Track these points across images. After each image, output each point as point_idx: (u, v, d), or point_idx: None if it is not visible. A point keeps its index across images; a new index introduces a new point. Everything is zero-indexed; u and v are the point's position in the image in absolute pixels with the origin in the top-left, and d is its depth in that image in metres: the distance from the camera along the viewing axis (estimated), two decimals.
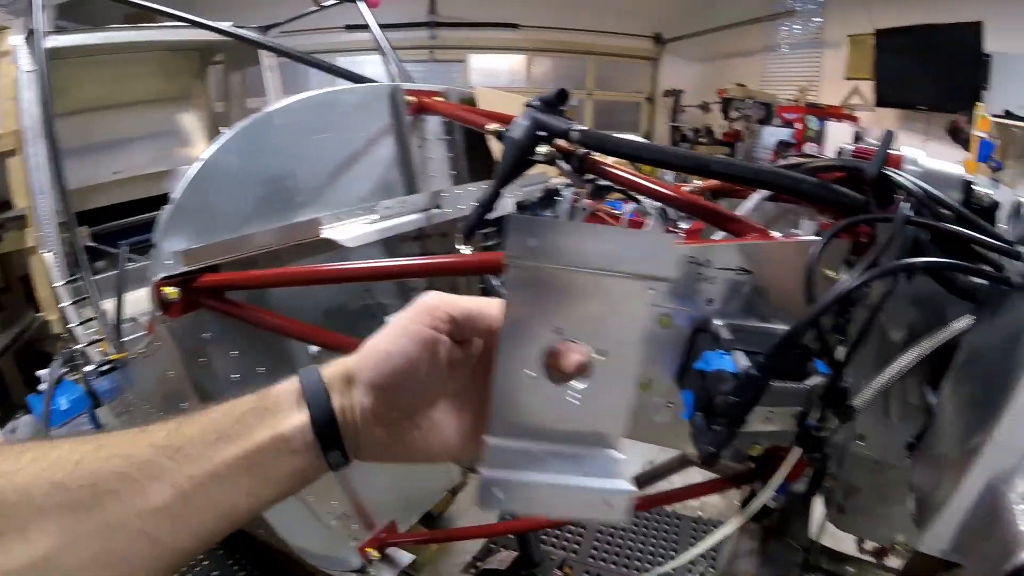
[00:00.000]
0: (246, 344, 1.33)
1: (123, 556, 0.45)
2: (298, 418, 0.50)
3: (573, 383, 0.49)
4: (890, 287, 0.71)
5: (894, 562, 1.27)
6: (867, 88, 5.88)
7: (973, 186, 0.84)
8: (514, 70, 8.52)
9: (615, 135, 1.08)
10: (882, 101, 5.69)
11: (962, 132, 4.75)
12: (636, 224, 2.16)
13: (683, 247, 0.82)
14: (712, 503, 3.08)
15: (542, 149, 1.16)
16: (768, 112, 6.86)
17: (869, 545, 1.28)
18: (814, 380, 0.74)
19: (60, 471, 0.45)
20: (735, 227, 0.91)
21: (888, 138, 0.79)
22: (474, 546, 2.56)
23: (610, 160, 1.12)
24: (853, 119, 6.03)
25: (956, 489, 0.64)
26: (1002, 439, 0.63)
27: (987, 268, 0.72)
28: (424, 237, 1.81)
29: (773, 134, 6.53)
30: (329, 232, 1.28)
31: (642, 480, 1.48)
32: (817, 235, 0.86)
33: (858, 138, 5.83)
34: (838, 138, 5.91)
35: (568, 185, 1.98)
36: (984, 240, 0.71)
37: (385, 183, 1.68)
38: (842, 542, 1.33)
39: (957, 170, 0.84)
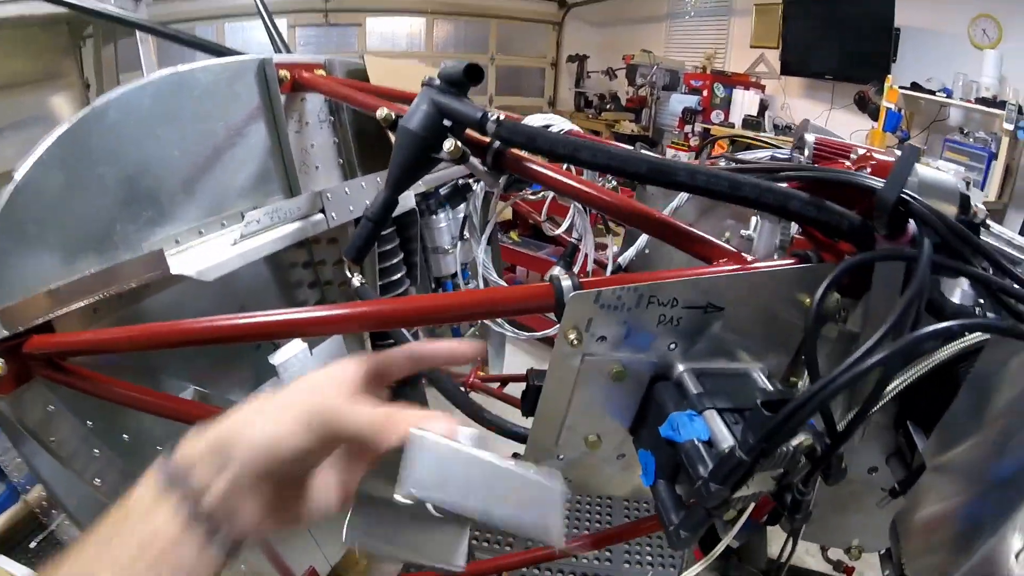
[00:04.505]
0: (102, 411, 1.05)
1: None
2: (161, 515, 0.46)
3: None
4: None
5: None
6: (773, 56, 5.90)
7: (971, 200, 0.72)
8: (413, 34, 8.11)
9: (546, 130, 0.89)
10: (787, 70, 5.73)
11: (870, 103, 4.84)
12: (558, 211, 1.96)
13: (641, 284, 0.65)
14: None
15: (448, 145, 0.92)
16: (674, 79, 6.81)
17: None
18: (800, 439, 0.59)
19: None
20: (702, 250, 0.74)
21: (912, 154, 0.64)
22: None
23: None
24: (760, 87, 6.06)
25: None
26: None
27: None
28: (311, 243, 1.54)
29: (679, 101, 6.49)
30: (179, 264, 0.99)
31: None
32: (798, 256, 0.72)
33: (764, 106, 5.91)
34: (744, 106, 5.98)
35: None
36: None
37: (260, 179, 1.38)
38: (805, 560, 1.27)
39: (952, 181, 0.70)
